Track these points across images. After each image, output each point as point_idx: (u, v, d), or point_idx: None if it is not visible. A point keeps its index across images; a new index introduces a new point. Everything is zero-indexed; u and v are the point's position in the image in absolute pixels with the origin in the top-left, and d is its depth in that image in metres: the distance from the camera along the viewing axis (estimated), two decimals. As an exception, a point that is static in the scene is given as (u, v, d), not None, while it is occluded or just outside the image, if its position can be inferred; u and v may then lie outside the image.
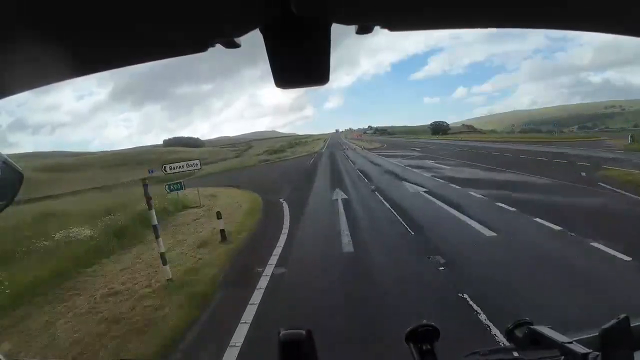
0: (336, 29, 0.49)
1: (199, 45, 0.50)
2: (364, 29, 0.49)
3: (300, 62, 0.57)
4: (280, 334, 0.73)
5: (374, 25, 0.48)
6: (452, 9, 0.48)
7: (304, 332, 0.73)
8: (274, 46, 0.52)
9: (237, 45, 0.50)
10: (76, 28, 0.44)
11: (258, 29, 0.48)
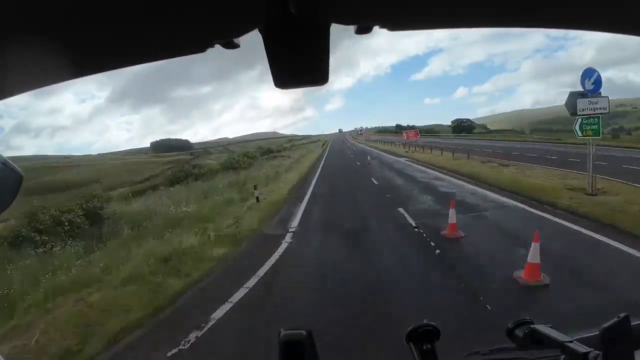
0: (336, 29, 0.51)
1: (198, 45, 0.52)
2: (363, 29, 0.51)
3: (300, 62, 0.59)
4: (281, 335, 0.74)
5: (373, 25, 0.50)
6: (451, 8, 0.49)
7: (304, 332, 0.74)
8: (273, 46, 0.53)
9: (236, 46, 0.52)
10: (75, 28, 0.46)
11: (257, 29, 0.50)
